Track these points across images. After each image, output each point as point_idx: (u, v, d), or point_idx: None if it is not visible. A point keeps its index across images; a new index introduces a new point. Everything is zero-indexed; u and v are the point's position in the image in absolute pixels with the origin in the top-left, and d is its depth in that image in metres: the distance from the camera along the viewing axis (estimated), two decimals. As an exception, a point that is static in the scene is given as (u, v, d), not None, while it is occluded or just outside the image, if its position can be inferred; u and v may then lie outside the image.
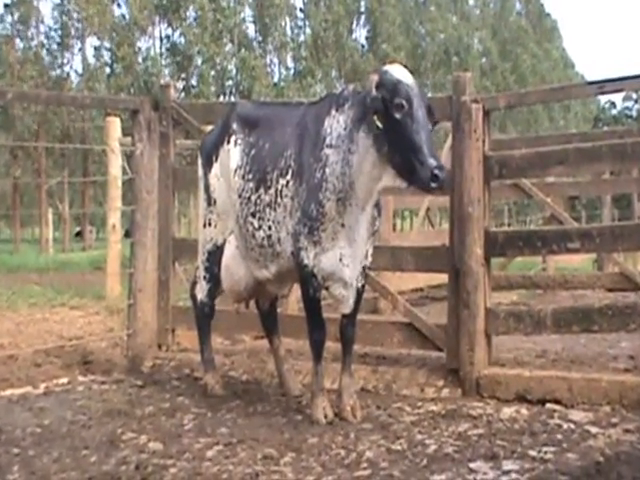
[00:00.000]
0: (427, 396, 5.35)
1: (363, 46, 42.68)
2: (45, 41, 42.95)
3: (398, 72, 4.46)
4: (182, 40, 40.33)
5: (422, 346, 5.75)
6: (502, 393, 5.19)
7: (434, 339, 5.63)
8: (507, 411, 4.91)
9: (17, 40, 42.32)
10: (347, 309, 4.90)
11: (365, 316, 7.27)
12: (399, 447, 4.27)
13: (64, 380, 6.02)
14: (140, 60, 41.66)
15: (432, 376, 5.53)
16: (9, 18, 42.32)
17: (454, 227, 5.52)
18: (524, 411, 4.90)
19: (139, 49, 42.40)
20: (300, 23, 41.64)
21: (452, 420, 4.73)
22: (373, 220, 4.82)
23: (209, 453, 4.23)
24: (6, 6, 42.44)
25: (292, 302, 7.62)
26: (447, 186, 4.88)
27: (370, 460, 4.07)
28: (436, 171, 4.19)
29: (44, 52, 42.64)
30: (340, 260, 4.74)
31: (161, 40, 42.07)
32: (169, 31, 41.62)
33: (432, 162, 4.20)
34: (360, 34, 43.78)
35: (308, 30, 41.12)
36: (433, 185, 4.21)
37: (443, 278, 5.90)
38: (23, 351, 6.73)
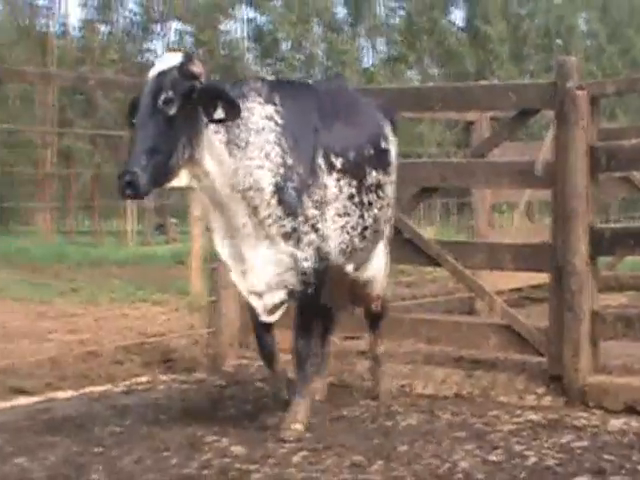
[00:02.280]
0: (526, 404, 5.28)
1: (460, 29, 42.27)
2: (127, 25, 43.69)
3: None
4: (267, 23, 40.57)
5: (521, 350, 5.68)
6: (609, 403, 5.09)
7: (534, 343, 5.56)
8: (615, 423, 4.82)
9: (100, 25, 43.15)
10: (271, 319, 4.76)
11: (460, 317, 7.22)
12: (496, 458, 4.23)
13: (145, 379, 6.12)
14: (223, 44, 42.04)
15: (532, 383, 5.46)
16: (94, 2, 43.17)
17: (557, 223, 5.43)
18: (634, 423, 4.80)
19: (222, 32, 42.79)
20: (394, 5, 41.45)
21: (554, 431, 4.67)
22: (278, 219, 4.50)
23: (294, 459, 4.25)
24: (87, -9, 43.27)
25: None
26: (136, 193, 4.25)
27: (465, 471, 4.03)
28: (120, 181, 4.15)
29: (127, 37, 43.37)
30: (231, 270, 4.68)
31: (245, 23, 42.40)
32: (253, 14, 41.92)
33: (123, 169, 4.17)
34: (456, 17, 43.35)
35: (402, 13, 40.90)
36: (124, 195, 4.17)
37: (544, 278, 5.82)
38: (104, 347, 6.87)
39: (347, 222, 4.75)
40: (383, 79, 33.61)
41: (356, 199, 4.78)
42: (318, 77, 39.34)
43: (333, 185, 4.66)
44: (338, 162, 4.68)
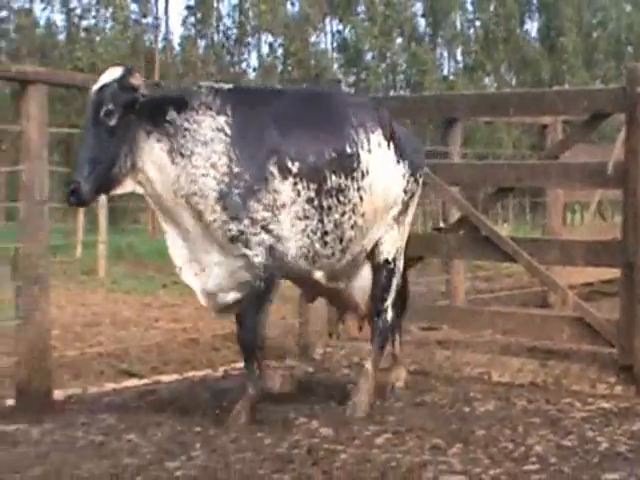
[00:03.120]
0: (598, 392, 5.20)
1: (535, 39, 41.59)
2: (224, 39, 44.15)
3: None
4: (352, 35, 40.57)
5: (593, 341, 5.59)
6: (678, 392, 4.98)
7: (605, 335, 5.46)
8: (683, 411, 4.71)
9: (198, 40, 43.72)
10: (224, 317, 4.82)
11: (534, 310, 7.14)
12: (569, 443, 4.17)
13: (240, 365, 6.17)
14: (311, 55, 42.18)
15: (604, 372, 5.37)
16: (191, 19, 43.75)
17: (627, 221, 5.33)
18: (702, 411, 4.68)
19: (310, 44, 42.91)
20: (471, 16, 41.04)
21: (625, 418, 4.58)
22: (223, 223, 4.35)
23: (378, 440, 4.25)
24: (188, 8, 43.88)
25: (460, 294, 7.56)
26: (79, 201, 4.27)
27: (539, 455, 3.99)
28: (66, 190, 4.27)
29: (223, 51, 43.83)
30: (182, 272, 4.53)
31: (332, 35, 42.48)
32: (340, 26, 41.97)
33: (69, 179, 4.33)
34: (532, 27, 42.68)
35: (478, 24, 40.47)
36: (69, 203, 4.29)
37: (614, 273, 5.71)
38: (203, 335, 6.97)
39: (307, 225, 4.52)
40: (461, 86, 33.32)
41: (315, 202, 4.53)
42: (399, 85, 39.21)
43: (289, 189, 4.46)
44: (294, 167, 4.46)
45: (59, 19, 40.01)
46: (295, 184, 4.47)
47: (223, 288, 4.50)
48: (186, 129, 4.34)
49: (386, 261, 4.95)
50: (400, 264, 5.06)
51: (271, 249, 4.42)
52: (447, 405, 4.95)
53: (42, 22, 40.97)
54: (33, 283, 4.90)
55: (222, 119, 4.40)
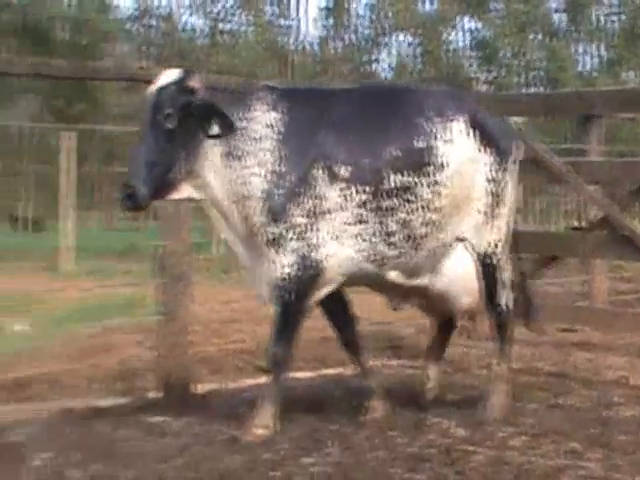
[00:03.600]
0: None
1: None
2: (358, 39, 44.33)
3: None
4: (488, 32, 40.03)
5: None
6: None
7: None
8: None
9: (333, 40, 44.06)
10: None
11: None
12: None
13: (374, 363, 6.19)
14: (446, 53, 41.83)
15: None
16: (327, 21, 44.12)
17: None
18: None
19: (445, 43, 42.57)
20: (610, 10, 39.83)
21: None
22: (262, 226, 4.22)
23: (513, 443, 4.18)
24: (325, 9, 44.26)
25: (601, 295, 7.36)
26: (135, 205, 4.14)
27: (685, 463, 3.83)
28: (121, 194, 4.13)
29: (358, 50, 44.01)
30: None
31: (467, 33, 42.02)
32: (475, 24, 41.48)
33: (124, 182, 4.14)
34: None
35: (616, 18, 39.25)
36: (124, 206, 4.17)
37: None
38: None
39: (363, 229, 4.27)
40: (601, 82, 32.40)
41: (371, 205, 4.27)
42: (535, 82, 38.39)
43: (336, 195, 4.23)
44: (344, 171, 4.23)
45: (200, 24, 40.98)
46: (342, 189, 4.24)
47: (269, 297, 4.36)
48: (241, 128, 4.22)
49: (481, 256, 4.63)
50: (501, 257, 4.69)
51: (304, 258, 4.22)
52: (585, 409, 4.83)
53: (185, 27, 42.14)
54: (176, 280, 5.05)
55: (275, 115, 4.27)
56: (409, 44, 42.72)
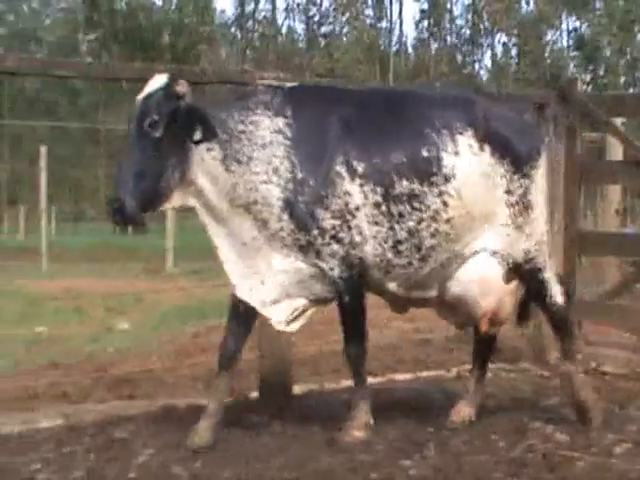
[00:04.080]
0: None
1: None
2: (457, 40, 43.97)
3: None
4: (589, 32, 39.19)
5: None
6: None
7: None
8: None
9: (432, 42, 43.83)
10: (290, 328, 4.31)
11: None
12: None
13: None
14: (547, 54, 41.13)
15: None
16: (424, 23, 43.92)
17: None
18: None
19: (546, 43, 41.88)
20: None
21: None
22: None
23: (617, 450, 4.07)
24: (422, 12, 44.09)
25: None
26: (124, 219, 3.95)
27: None
28: (109, 208, 3.94)
29: (456, 51, 43.64)
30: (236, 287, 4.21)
31: (568, 33, 41.22)
32: (576, 24, 40.65)
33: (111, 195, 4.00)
34: None
35: None
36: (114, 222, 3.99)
37: None
38: (436, 336, 6.96)
39: (377, 232, 4.14)
40: None
41: (383, 208, 4.13)
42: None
43: (357, 191, 4.09)
44: (360, 167, 4.09)
45: (299, 27, 41.36)
46: (362, 185, 4.10)
47: (290, 294, 4.19)
48: (241, 132, 4.06)
49: (518, 265, 4.44)
50: (540, 259, 4.49)
51: (345, 259, 4.10)
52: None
53: (284, 30, 42.53)
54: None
55: (281, 120, 4.10)
56: (505, 45, 42.16)
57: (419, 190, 4.16)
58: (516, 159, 4.38)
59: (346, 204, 4.08)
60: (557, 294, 4.59)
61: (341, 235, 4.07)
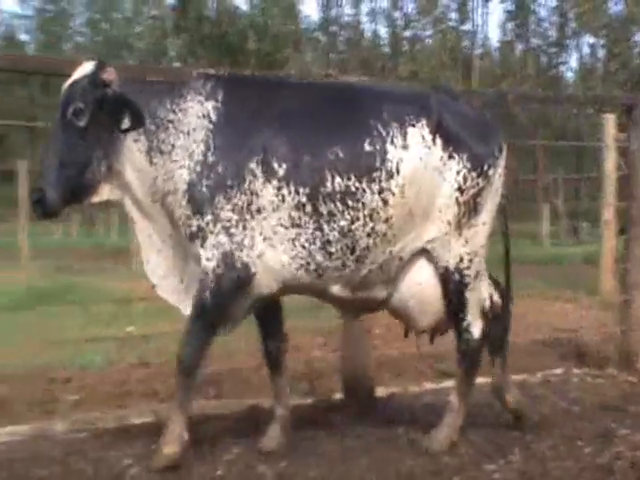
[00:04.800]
0: None
1: None
2: (543, 42, 43.37)
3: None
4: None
5: None
6: None
7: None
8: None
9: (517, 44, 43.33)
10: None
11: None
12: None
13: (559, 371, 6.03)
14: (636, 55, 40.21)
15: None
16: (509, 25, 43.40)
17: None
18: None
19: (635, 44, 40.94)
20: None
21: None
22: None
23: None
24: (508, 12, 43.58)
25: None
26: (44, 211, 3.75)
27: None
28: (30, 199, 3.74)
29: (542, 54, 43.05)
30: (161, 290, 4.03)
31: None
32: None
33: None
34: None
35: None
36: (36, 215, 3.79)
37: None
38: (520, 340, 6.87)
39: (298, 234, 3.86)
40: None
41: (307, 209, 3.85)
42: None
43: (272, 193, 3.83)
44: (282, 169, 3.82)
45: (383, 31, 41.40)
46: (279, 188, 3.83)
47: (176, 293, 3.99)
48: (170, 121, 3.87)
49: (447, 271, 4.09)
50: (471, 274, 4.13)
51: (228, 256, 3.80)
52: None
53: (368, 34, 42.59)
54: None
55: (210, 104, 3.88)
56: (593, 47, 41.37)
57: (356, 187, 3.87)
58: (472, 156, 4.06)
59: (249, 203, 3.82)
60: (473, 325, 4.21)
61: (233, 230, 3.81)
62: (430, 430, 4.22)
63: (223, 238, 3.80)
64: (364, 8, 41.42)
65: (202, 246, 3.81)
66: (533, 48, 43.43)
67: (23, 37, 53.37)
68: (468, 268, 4.11)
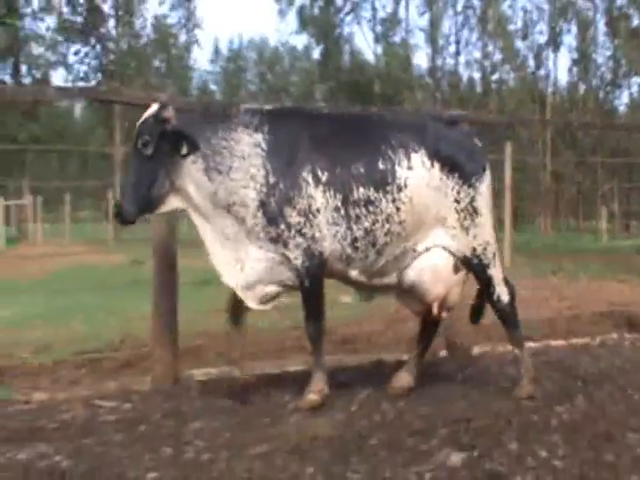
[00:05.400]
0: None
1: None
2: (599, 82, 41.67)
3: None
4: None
5: None
6: None
7: None
8: None
9: (580, 84, 41.70)
10: (263, 307, 3.93)
11: None
12: None
13: (614, 336, 5.78)
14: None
15: None
16: (574, 69, 41.74)
17: None
18: None
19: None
20: None
21: None
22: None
23: None
24: (573, 60, 41.86)
25: None
26: (122, 220, 3.78)
27: None
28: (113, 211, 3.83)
29: (600, 92, 41.30)
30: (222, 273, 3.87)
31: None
32: None
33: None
34: None
35: None
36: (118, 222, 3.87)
37: None
38: (583, 312, 6.64)
39: (337, 232, 3.80)
40: None
41: (342, 212, 3.79)
42: None
43: (321, 196, 3.77)
44: (324, 176, 3.76)
45: (476, 76, 41.01)
46: (325, 192, 3.77)
47: (263, 281, 3.87)
48: (223, 147, 3.78)
49: (466, 258, 4.00)
50: (489, 255, 4.02)
51: (307, 250, 3.77)
52: None
53: (465, 78, 42.01)
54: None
55: (259, 136, 3.81)
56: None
57: (375, 197, 3.83)
58: (463, 174, 3.97)
59: (309, 205, 3.76)
60: (502, 292, 4.08)
61: (304, 230, 3.76)
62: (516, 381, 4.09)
63: (299, 239, 3.76)
64: (462, 59, 40.87)
65: (286, 249, 3.78)
66: (593, 87, 41.77)
67: (212, 87, 55.41)
68: (484, 253, 4.01)
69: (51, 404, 3.93)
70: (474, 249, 4.00)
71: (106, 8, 25.00)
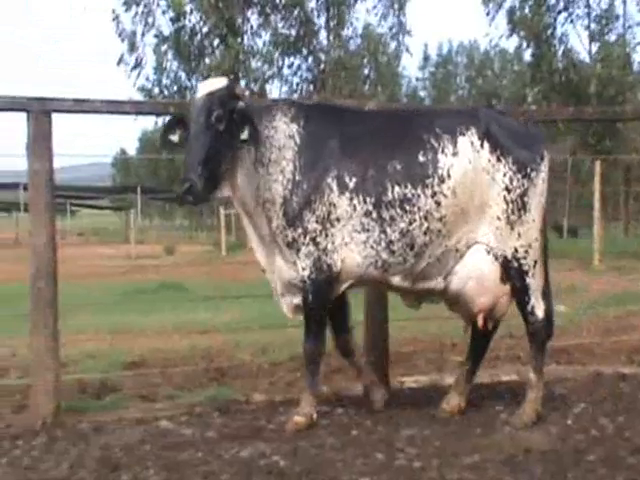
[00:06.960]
0: None
1: None
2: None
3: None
4: None
5: None
6: None
7: None
8: None
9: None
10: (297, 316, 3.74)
11: None
12: None
13: None
14: None
15: None
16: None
17: None
18: None
19: None
20: None
21: None
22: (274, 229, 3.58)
23: None
24: None
25: None
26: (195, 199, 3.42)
27: None
28: (179, 189, 3.36)
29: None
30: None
31: None
32: None
33: (181, 177, 3.39)
34: None
35: None
36: (183, 201, 3.41)
37: None
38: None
39: (368, 237, 3.54)
40: None
41: (374, 215, 3.53)
42: None
43: (346, 204, 3.53)
44: (352, 182, 3.53)
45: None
46: (352, 199, 3.54)
47: (289, 290, 3.67)
48: (267, 137, 3.55)
49: (506, 260, 3.63)
50: (530, 262, 3.65)
51: (317, 262, 3.55)
52: None
53: None
54: None
55: (294, 127, 3.59)
56: None
57: (412, 194, 3.57)
58: (518, 161, 3.63)
59: (329, 213, 3.56)
60: (537, 306, 3.69)
61: (319, 239, 3.56)
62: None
63: (312, 247, 3.58)
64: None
65: (297, 256, 3.60)
66: None
67: (421, 93, 55.63)
68: (525, 258, 3.66)
69: (269, 405, 4.14)
70: (515, 250, 3.66)
71: (321, 21, 26.21)
